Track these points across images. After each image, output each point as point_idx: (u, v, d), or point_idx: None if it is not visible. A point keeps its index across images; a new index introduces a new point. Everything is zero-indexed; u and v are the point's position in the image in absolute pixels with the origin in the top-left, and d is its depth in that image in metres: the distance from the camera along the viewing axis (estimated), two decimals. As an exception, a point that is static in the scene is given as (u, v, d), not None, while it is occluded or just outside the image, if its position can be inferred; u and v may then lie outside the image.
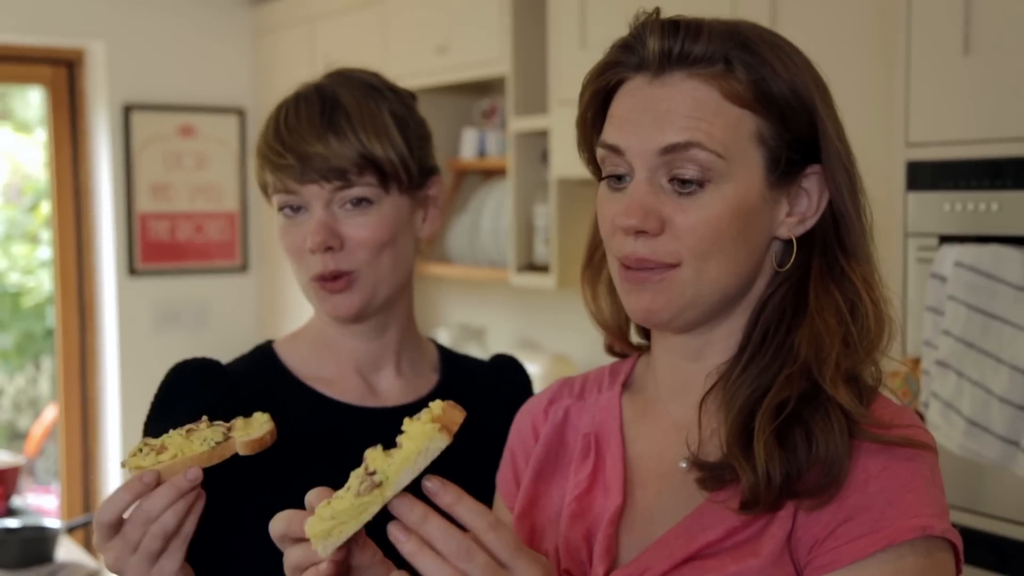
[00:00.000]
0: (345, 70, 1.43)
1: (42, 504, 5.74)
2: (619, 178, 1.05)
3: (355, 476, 0.90)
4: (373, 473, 0.89)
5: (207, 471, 1.09)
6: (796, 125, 1.04)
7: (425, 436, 0.89)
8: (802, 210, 1.07)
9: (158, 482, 1.06)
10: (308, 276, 1.36)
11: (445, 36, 3.55)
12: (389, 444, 1.40)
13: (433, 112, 3.90)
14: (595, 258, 1.19)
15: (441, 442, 0.89)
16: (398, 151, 1.37)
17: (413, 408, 1.40)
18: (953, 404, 1.86)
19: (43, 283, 6.10)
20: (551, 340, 3.71)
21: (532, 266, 3.40)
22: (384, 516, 0.90)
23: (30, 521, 3.22)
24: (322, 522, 0.88)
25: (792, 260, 1.07)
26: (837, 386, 1.01)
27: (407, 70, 3.73)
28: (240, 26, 4.61)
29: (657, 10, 1.07)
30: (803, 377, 1.03)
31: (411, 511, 0.88)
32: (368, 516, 0.89)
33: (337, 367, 1.42)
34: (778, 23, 2.39)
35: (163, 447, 1.08)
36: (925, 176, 1.98)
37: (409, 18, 3.73)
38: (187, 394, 1.34)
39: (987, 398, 1.82)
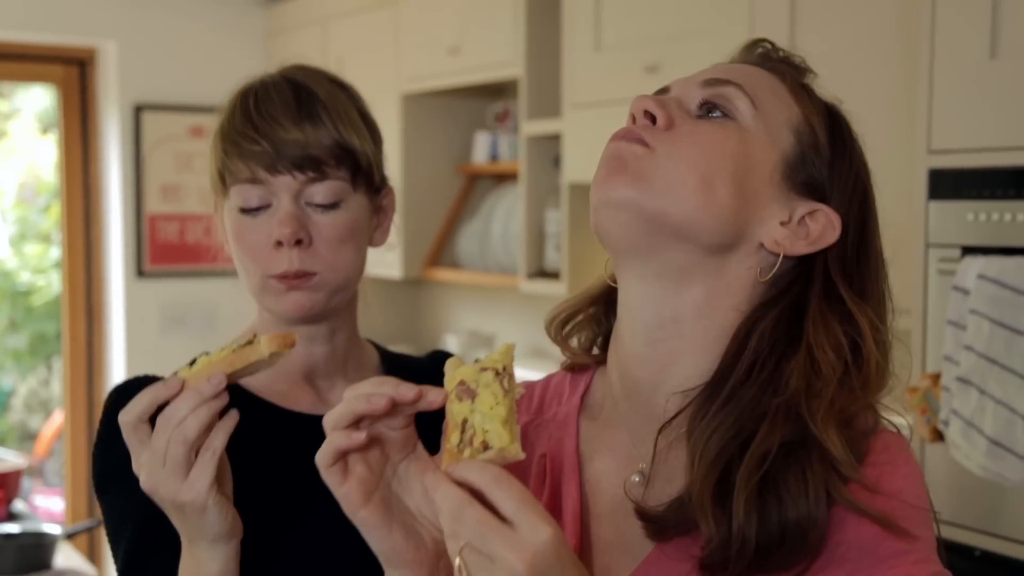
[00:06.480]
0: (304, 65, 1.37)
1: (50, 506, 5.71)
2: None
3: (488, 384, 0.88)
4: (512, 376, 0.90)
5: None
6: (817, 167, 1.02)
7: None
8: (794, 230, 1.00)
9: (182, 389, 1.03)
10: (270, 274, 1.29)
11: (458, 37, 3.48)
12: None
13: (445, 115, 3.91)
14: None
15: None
16: (369, 147, 1.33)
17: None
18: (975, 423, 1.79)
19: (53, 283, 6.08)
20: (562, 348, 3.63)
21: (543, 272, 3.33)
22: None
23: (29, 527, 3.17)
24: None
25: (773, 273, 0.99)
26: (828, 428, 0.91)
27: (419, 71, 3.67)
28: (253, 27, 4.55)
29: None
30: (789, 418, 0.92)
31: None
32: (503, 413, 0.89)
33: (286, 378, 1.37)
34: (796, 28, 2.32)
35: (194, 363, 1.07)
36: (948, 184, 1.90)
37: (422, 19, 3.67)
38: None
39: (1011, 417, 1.74)
